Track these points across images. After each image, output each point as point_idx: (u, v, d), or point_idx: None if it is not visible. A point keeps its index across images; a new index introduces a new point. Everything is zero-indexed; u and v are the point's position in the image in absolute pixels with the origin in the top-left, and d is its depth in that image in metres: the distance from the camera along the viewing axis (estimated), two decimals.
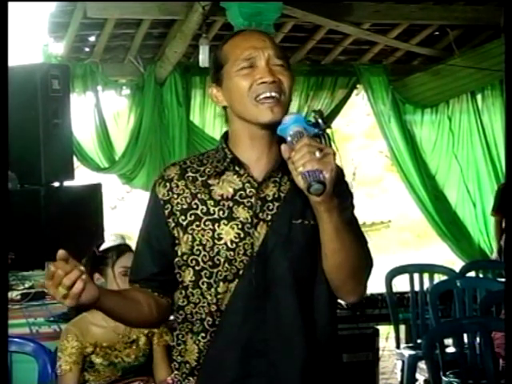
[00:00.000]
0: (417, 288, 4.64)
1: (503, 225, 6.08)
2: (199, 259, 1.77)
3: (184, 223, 1.79)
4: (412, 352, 4.39)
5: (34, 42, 6.82)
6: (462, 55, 6.35)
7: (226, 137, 1.86)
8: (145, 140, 6.12)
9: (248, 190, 1.78)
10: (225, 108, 1.84)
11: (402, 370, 4.60)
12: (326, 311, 1.80)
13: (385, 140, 6.78)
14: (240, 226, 1.76)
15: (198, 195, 1.79)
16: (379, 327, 4.61)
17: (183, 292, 1.81)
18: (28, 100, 4.73)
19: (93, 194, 5.10)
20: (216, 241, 1.76)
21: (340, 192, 1.73)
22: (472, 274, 4.99)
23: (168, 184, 1.82)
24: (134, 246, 1.96)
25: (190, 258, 1.78)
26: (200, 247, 1.77)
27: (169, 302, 1.85)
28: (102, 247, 3.03)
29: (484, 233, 6.88)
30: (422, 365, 4.42)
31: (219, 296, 1.75)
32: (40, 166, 4.79)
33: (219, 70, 1.81)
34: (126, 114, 6.22)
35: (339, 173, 1.72)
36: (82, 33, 5.76)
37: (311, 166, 1.61)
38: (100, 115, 6.02)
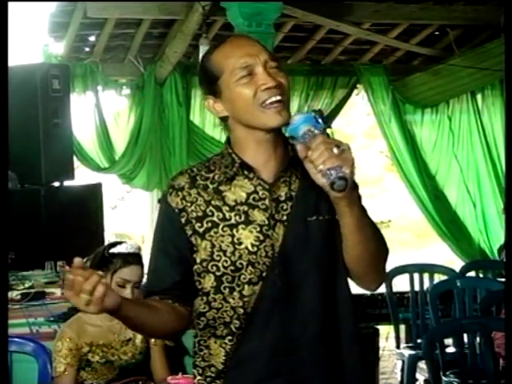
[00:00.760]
0: (417, 288, 4.65)
1: None
2: (219, 265, 1.78)
3: (201, 230, 1.79)
4: (412, 352, 4.40)
5: (34, 42, 6.80)
6: (462, 55, 6.34)
7: (229, 141, 1.85)
8: (145, 140, 6.12)
9: (261, 193, 1.79)
10: (222, 118, 1.84)
11: (402, 370, 4.61)
12: (348, 301, 1.83)
13: (385, 140, 6.76)
14: (258, 229, 1.77)
15: (212, 202, 1.80)
16: (379, 327, 4.60)
17: (204, 298, 1.81)
18: (28, 100, 4.73)
19: (93, 193, 5.11)
20: (237, 246, 1.77)
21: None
22: (472, 273, 5.00)
23: (180, 193, 1.82)
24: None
25: (210, 264, 1.79)
26: (220, 253, 1.78)
27: (189, 310, 1.85)
28: (113, 249, 2.94)
29: (484, 233, 6.86)
30: (422, 365, 4.43)
31: (245, 299, 1.77)
32: (40, 165, 4.80)
33: (215, 82, 1.79)
34: (126, 114, 6.21)
35: None
36: (82, 33, 5.75)
37: (331, 163, 1.62)
38: (100, 115, 6.01)
